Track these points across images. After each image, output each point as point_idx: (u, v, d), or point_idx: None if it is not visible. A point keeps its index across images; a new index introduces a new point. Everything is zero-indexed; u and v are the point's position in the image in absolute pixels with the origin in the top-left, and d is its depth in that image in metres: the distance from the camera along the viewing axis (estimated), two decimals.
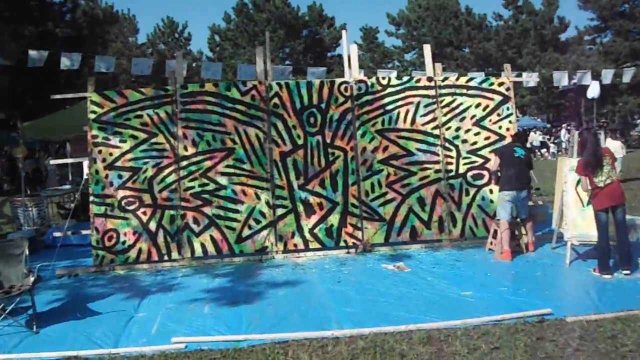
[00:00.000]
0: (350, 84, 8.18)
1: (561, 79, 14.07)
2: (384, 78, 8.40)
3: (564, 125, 31.23)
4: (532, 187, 7.79)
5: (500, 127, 8.30)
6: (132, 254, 7.62)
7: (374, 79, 8.31)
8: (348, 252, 7.80)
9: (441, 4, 41.81)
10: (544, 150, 29.70)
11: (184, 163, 7.80)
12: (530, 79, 12.39)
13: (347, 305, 5.36)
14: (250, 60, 35.05)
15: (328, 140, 8.01)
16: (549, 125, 35.96)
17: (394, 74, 12.26)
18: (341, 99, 8.11)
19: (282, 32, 41.89)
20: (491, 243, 7.63)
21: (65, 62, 11.18)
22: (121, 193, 7.70)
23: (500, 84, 8.43)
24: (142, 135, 7.82)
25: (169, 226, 7.68)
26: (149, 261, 7.62)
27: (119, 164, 7.75)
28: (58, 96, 8.32)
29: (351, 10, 72.66)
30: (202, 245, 7.68)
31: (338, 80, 8.24)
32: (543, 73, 23.93)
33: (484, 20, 42.09)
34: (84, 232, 8.02)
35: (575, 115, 33.91)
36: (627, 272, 6.08)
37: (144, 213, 7.68)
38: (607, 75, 13.23)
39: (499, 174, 7.41)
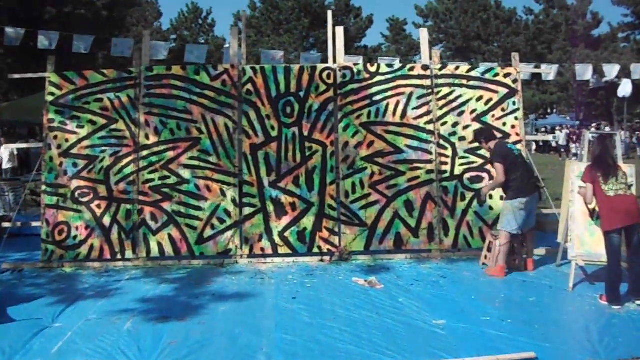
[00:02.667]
0: (333, 71, 7.27)
1: (585, 73, 12.96)
2: (372, 65, 7.46)
3: (593, 125, 29.67)
4: (540, 185, 6.70)
5: (504, 124, 7.29)
6: (83, 250, 6.90)
7: (360, 66, 7.37)
8: (322, 260, 6.93)
9: None
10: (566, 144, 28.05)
11: (145, 153, 7.03)
12: (550, 71, 11.29)
13: (289, 330, 4.48)
14: (273, 48, 34.36)
15: (305, 133, 7.12)
16: (577, 123, 34.29)
17: (396, 61, 11.27)
18: (322, 87, 7.19)
19: (306, 21, 41.04)
20: (485, 257, 6.67)
21: (43, 42, 10.53)
22: (75, 183, 6.99)
23: (507, 75, 7.39)
24: (102, 121, 7.10)
25: (124, 222, 6.93)
26: (100, 259, 6.90)
27: (74, 151, 7.05)
28: (16, 76, 7.73)
29: (379, 1, 71.16)
30: (159, 245, 6.91)
31: (320, 66, 7.33)
32: (570, 67, 22.56)
33: (514, 14, 40.77)
34: (33, 223, 7.34)
35: (606, 115, 32.28)
36: None
37: (98, 206, 6.95)
38: (637, 70, 12.05)
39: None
